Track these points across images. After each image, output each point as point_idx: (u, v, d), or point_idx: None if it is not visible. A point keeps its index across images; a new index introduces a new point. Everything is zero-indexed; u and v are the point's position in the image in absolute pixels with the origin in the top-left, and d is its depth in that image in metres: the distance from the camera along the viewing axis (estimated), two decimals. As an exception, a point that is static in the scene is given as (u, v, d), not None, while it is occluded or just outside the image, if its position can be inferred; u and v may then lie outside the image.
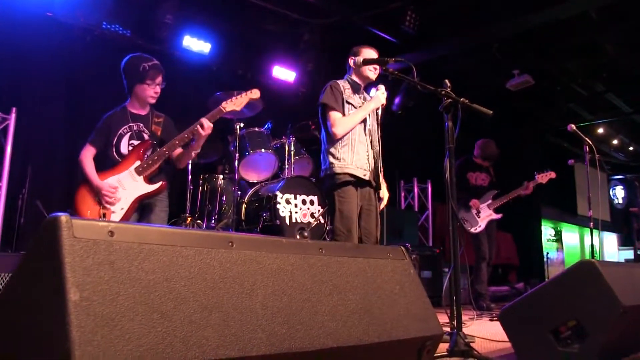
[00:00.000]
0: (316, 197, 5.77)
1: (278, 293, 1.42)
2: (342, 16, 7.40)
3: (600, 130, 11.99)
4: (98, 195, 3.86)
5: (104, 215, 3.83)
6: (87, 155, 3.95)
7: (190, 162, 5.59)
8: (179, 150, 4.11)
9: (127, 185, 3.93)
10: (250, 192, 5.92)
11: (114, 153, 4.00)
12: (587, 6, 7.05)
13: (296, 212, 5.60)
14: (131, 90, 4.10)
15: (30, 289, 1.22)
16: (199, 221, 5.69)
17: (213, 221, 5.83)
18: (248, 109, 6.13)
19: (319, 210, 5.75)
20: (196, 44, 7.03)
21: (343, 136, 4.05)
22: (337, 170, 4.02)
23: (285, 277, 1.47)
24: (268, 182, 6.06)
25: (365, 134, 4.18)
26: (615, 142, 12.86)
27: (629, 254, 13.54)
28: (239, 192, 5.79)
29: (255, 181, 6.19)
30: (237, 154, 5.66)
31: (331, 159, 4.07)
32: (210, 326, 1.24)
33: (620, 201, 15.97)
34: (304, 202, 5.69)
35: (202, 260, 1.33)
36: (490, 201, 6.69)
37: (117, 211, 3.90)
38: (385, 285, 1.74)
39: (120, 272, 1.19)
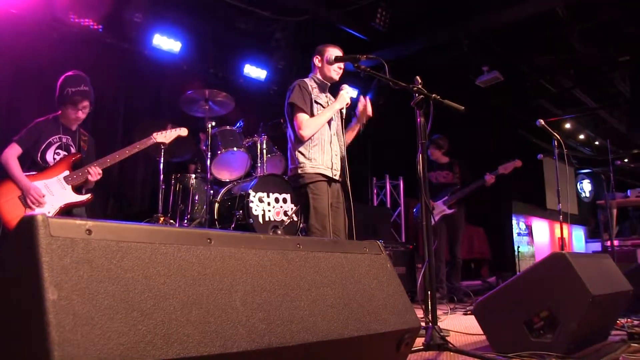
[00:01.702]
0: (289, 195, 5.77)
1: (257, 289, 1.42)
2: (313, 14, 7.40)
3: (568, 125, 12.20)
4: (24, 195, 4.03)
5: None
6: (13, 154, 4.12)
7: (162, 161, 5.56)
8: None
9: (56, 192, 4.14)
10: (223, 191, 5.90)
11: (39, 158, 4.23)
12: (554, 3, 7.16)
13: (269, 211, 5.59)
14: (59, 108, 4.38)
15: (5, 290, 1.20)
16: (171, 221, 5.65)
17: (186, 220, 5.80)
18: (219, 107, 6.11)
19: (291, 208, 5.75)
20: (166, 43, 6.97)
21: (310, 137, 4.11)
22: (309, 170, 4.08)
23: (264, 273, 1.47)
24: (240, 180, 6.05)
25: (333, 134, 4.25)
26: (581, 136, 13.10)
27: (596, 246, 13.80)
28: (212, 191, 5.77)
29: (227, 180, 6.16)
30: (209, 153, 5.64)
31: (302, 158, 4.10)
32: (190, 323, 1.23)
33: (587, 194, 16.27)
34: (276, 200, 5.68)
35: (181, 257, 1.33)
36: (446, 197, 6.77)
37: None
38: (362, 280, 1.75)
39: (99, 271, 1.17)
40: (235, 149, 5.91)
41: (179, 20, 7.13)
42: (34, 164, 4.22)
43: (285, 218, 5.65)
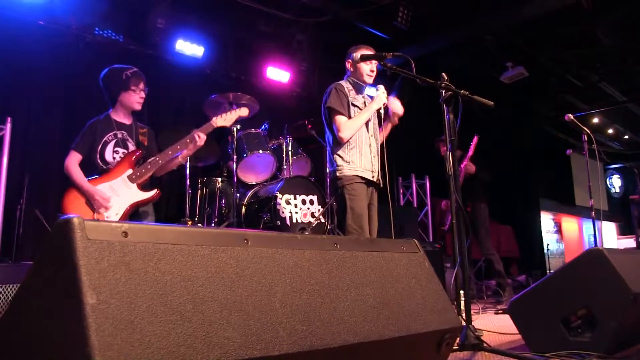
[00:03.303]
0: (316, 196, 5.74)
1: (296, 290, 1.39)
2: (334, 14, 7.36)
3: (595, 120, 11.98)
4: (90, 201, 3.91)
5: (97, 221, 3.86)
6: (74, 162, 4.01)
7: (188, 165, 5.56)
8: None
9: (121, 192, 4.00)
10: (250, 193, 5.87)
11: (98, 160, 4.08)
12: (579, -5, 7.05)
13: (296, 212, 5.56)
14: (115, 100, 4.19)
15: (43, 295, 1.19)
16: (199, 224, 5.65)
17: (213, 224, 5.80)
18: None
19: (319, 210, 5.71)
20: (189, 48, 6.99)
21: (349, 139, 4.10)
22: (347, 172, 4.09)
23: (302, 273, 1.44)
24: (267, 183, 6.02)
25: (371, 135, 4.24)
26: (610, 131, 12.86)
27: (628, 242, 13.54)
28: (238, 195, 5.76)
29: (254, 183, 6.15)
30: (234, 156, 5.63)
31: (340, 161, 4.11)
32: (230, 326, 1.20)
33: (617, 190, 15.98)
34: (303, 202, 5.65)
35: (219, 258, 1.30)
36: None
37: (112, 216, 3.94)
38: (401, 279, 1.71)
39: (136, 274, 1.15)
40: (260, 151, 5.89)
41: (202, 24, 7.15)
42: (94, 166, 4.09)
43: (312, 220, 5.61)
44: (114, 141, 4.14)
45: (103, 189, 3.96)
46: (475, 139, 6.74)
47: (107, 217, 3.90)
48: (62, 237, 1.13)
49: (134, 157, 4.11)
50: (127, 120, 4.26)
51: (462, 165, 6.65)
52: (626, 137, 13.36)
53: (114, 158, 4.11)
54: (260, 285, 1.33)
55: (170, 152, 4.13)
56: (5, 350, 1.27)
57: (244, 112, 4.55)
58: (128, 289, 1.12)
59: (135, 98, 4.17)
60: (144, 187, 4.10)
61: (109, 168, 4.07)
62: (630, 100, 10.92)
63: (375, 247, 1.72)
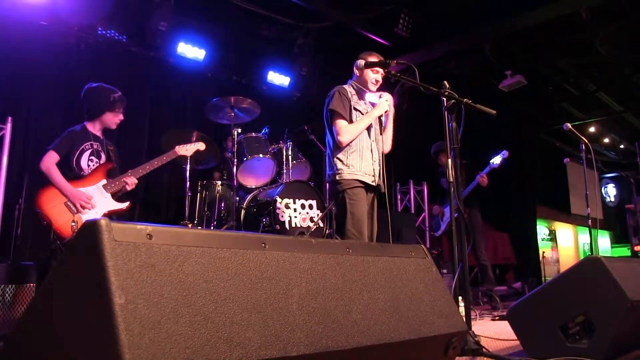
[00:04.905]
0: (315, 201, 5.76)
1: (312, 292, 1.43)
2: (335, 20, 7.41)
3: (592, 129, 12.06)
4: (72, 202, 4.10)
5: (76, 222, 4.04)
6: (52, 162, 4.20)
7: (188, 168, 5.59)
8: None
9: (97, 200, 4.25)
10: (249, 197, 5.89)
11: (74, 165, 4.31)
12: (577, 6, 7.11)
13: (295, 217, 5.59)
14: (95, 115, 4.50)
15: (67, 294, 1.22)
16: (199, 227, 5.67)
17: (212, 227, 5.81)
18: (245, 114, 6.14)
19: (317, 215, 5.74)
20: (191, 51, 7.02)
21: (348, 144, 4.07)
22: (347, 176, 4.04)
23: (317, 276, 1.48)
24: (267, 187, 6.04)
25: (372, 141, 4.20)
26: (606, 140, 12.94)
27: (622, 251, 13.60)
28: (237, 198, 5.77)
29: (253, 186, 6.16)
30: (235, 160, 5.65)
31: (339, 164, 4.07)
32: (251, 327, 1.24)
33: (612, 199, 16.06)
34: (302, 206, 5.68)
35: (239, 261, 1.34)
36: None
37: None
38: (410, 283, 1.75)
39: (161, 275, 1.19)
40: (261, 155, 5.91)
41: (203, 28, 7.17)
42: (69, 170, 4.26)
43: (311, 224, 5.64)
44: (89, 150, 4.41)
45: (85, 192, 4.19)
46: (507, 154, 6.68)
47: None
48: (89, 239, 1.16)
49: (107, 169, 4.41)
50: (100, 135, 4.55)
51: (479, 175, 6.58)
52: (622, 146, 13.44)
53: (88, 166, 4.36)
54: (278, 287, 1.37)
55: (140, 171, 4.48)
56: (27, 349, 1.30)
57: (201, 147, 5.13)
58: (154, 290, 1.15)
59: (116, 120, 4.52)
60: (117, 197, 4.38)
61: (82, 175, 4.29)
62: (627, 110, 11.00)
63: (385, 252, 1.76)
